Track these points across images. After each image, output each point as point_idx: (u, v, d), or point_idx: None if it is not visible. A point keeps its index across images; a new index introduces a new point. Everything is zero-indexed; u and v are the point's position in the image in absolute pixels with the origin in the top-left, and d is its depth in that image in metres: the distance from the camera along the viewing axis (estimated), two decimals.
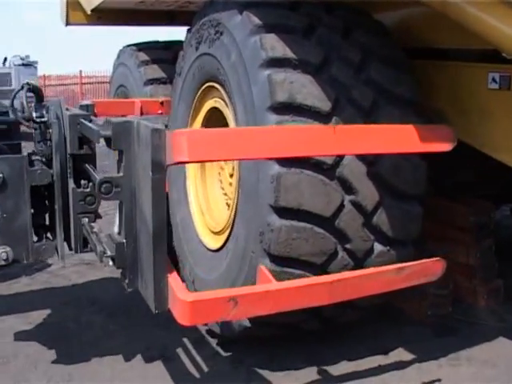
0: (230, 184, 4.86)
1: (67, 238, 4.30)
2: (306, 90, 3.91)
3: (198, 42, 4.83)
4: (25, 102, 4.51)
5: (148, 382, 4.41)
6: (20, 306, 5.80)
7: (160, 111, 6.33)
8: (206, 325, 4.95)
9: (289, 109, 3.85)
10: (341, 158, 3.92)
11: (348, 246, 4.04)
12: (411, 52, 4.57)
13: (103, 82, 19.84)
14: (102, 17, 7.48)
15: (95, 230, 3.90)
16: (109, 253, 3.57)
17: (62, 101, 4.50)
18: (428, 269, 3.92)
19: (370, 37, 4.32)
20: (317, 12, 4.30)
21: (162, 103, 6.34)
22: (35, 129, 4.58)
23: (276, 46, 4.01)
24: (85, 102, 5.65)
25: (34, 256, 4.25)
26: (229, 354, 4.75)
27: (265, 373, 4.47)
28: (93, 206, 4.01)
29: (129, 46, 7.15)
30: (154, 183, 3.24)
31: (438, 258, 3.89)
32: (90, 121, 4.05)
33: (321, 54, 4.09)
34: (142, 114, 6.23)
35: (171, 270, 3.47)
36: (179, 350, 4.83)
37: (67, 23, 7.81)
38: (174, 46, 6.39)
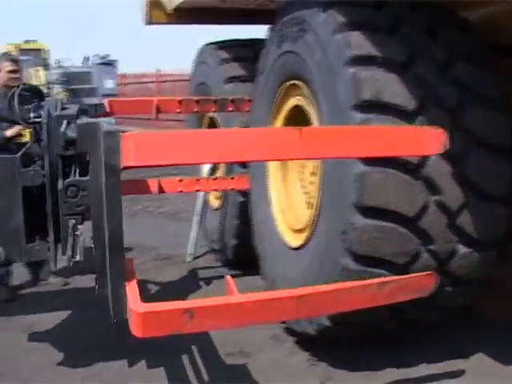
0: (311, 183, 4.86)
1: (58, 240, 4.20)
2: (392, 88, 3.88)
3: (281, 40, 4.84)
4: (16, 103, 4.54)
5: (227, 378, 4.44)
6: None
7: (178, 110, 6.35)
8: (283, 322, 4.96)
9: (374, 107, 3.82)
10: (426, 158, 3.87)
11: (431, 247, 3.98)
12: (497, 50, 4.48)
13: (180, 80, 20.03)
14: (182, 16, 7.55)
15: (77, 232, 3.77)
16: (78, 257, 3.52)
17: (59, 101, 4.53)
18: (417, 284, 3.70)
19: (455, 35, 4.25)
20: (401, 10, 4.26)
21: (180, 102, 6.37)
22: (32, 129, 4.60)
23: (361, 44, 3.99)
24: (92, 101, 5.71)
25: (26, 257, 4.21)
26: (306, 352, 4.74)
27: (342, 373, 4.44)
28: (79, 208, 3.83)
29: (209, 44, 7.20)
30: (107, 188, 3.20)
31: (429, 272, 3.69)
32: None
33: (406, 52, 4.04)
34: (158, 112, 6.25)
35: (131, 278, 3.39)
36: (256, 347, 4.85)
37: (148, 22, 7.91)
38: (254, 44, 6.40)
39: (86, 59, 22.38)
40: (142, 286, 6.25)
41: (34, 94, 4.80)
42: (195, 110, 6.29)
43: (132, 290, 3.33)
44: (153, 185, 6.30)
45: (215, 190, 6.82)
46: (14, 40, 19.72)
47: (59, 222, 3.86)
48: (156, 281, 6.54)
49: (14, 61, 6.52)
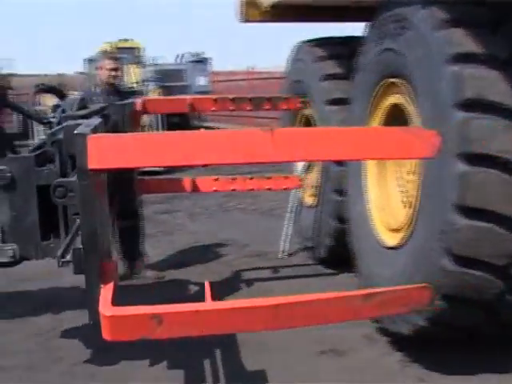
0: (409, 181, 4.81)
1: None
2: (495, 86, 3.80)
3: (381, 37, 4.80)
4: (32, 104, 4.64)
5: (318, 375, 4.44)
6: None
7: (213, 108, 6.34)
8: (377, 322, 4.93)
9: (477, 105, 3.75)
10: None
11: None
12: None
13: (272, 78, 20.09)
14: (277, 14, 7.58)
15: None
16: (68, 258, 3.52)
17: (77, 101, 4.58)
18: (409, 297, 3.61)
19: None
20: (503, 7, 4.16)
21: (215, 100, 6.34)
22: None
23: (463, 41, 3.92)
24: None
25: (41, 254, 4.22)
26: (400, 352, 4.69)
27: (435, 376, 4.36)
28: None
29: (305, 41, 7.22)
30: (80, 190, 3.24)
31: (423, 285, 3.59)
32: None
33: (509, 48, 3.95)
34: (193, 111, 6.25)
35: (107, 281, 3.39)
36: (349, 346, 4.83)
37: (243, 20, 7.97)
38: (350, 42, 6.37)
39: (180, 57, 22.72)
40: (234, 281, 6.42)
41: (55, 94, 4.96)
42: (231, 108, 6.33)
43: (106, 292, 3.34)
44: (187, 183, 6.43)
45: (251, 190, 6.90)
46: (110, 39, 20.20)
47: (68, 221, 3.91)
48: (248, 278, 6.60)
49: (114, 59, 6.71)
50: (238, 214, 9.81)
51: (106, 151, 3.30)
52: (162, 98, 6.46)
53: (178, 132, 3.79)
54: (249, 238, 8.07)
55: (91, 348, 4.96)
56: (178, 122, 15.70)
